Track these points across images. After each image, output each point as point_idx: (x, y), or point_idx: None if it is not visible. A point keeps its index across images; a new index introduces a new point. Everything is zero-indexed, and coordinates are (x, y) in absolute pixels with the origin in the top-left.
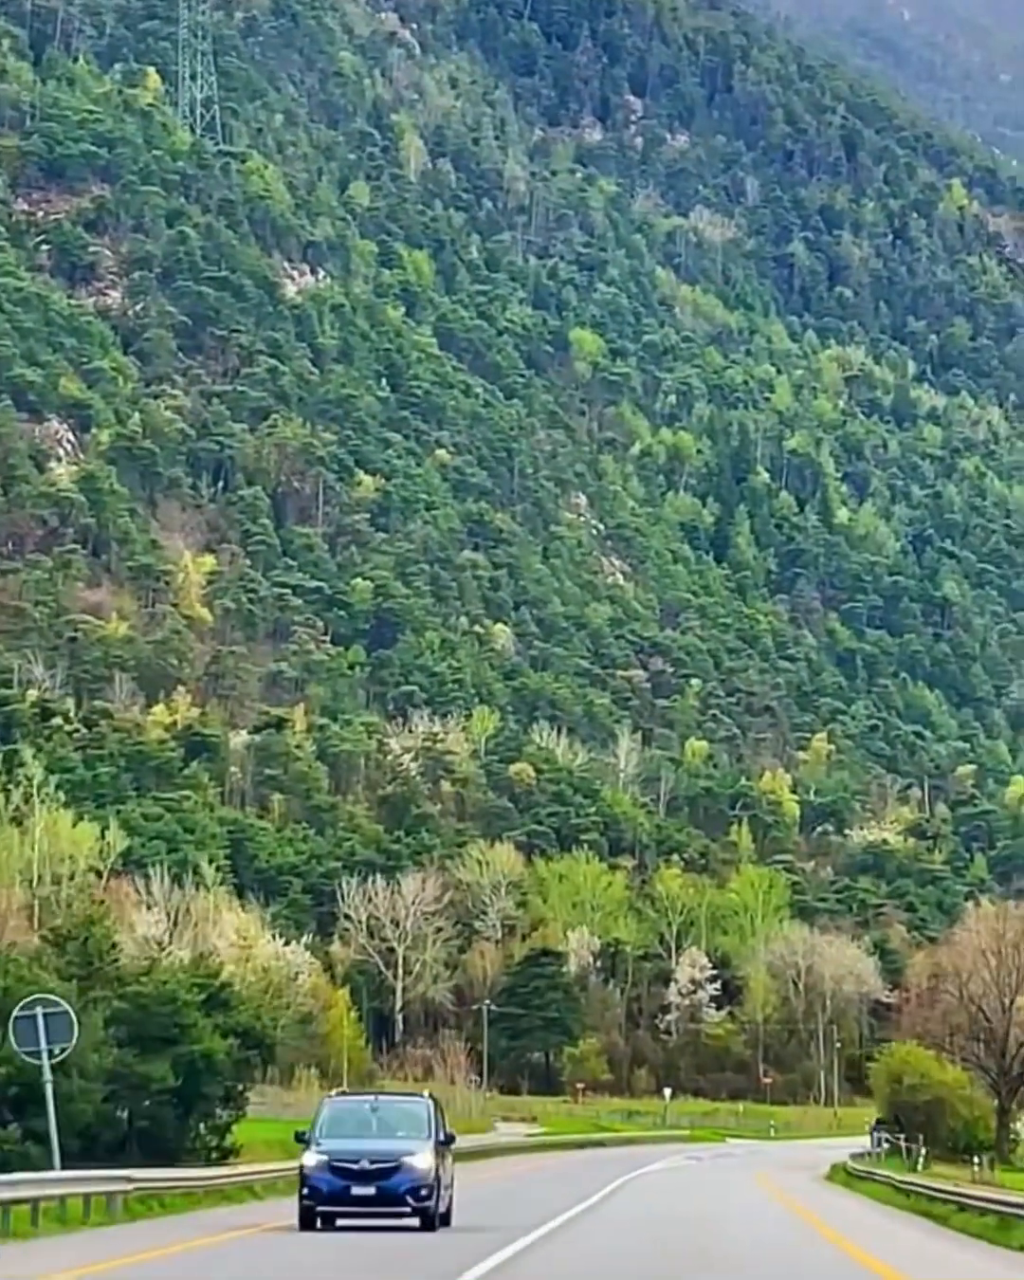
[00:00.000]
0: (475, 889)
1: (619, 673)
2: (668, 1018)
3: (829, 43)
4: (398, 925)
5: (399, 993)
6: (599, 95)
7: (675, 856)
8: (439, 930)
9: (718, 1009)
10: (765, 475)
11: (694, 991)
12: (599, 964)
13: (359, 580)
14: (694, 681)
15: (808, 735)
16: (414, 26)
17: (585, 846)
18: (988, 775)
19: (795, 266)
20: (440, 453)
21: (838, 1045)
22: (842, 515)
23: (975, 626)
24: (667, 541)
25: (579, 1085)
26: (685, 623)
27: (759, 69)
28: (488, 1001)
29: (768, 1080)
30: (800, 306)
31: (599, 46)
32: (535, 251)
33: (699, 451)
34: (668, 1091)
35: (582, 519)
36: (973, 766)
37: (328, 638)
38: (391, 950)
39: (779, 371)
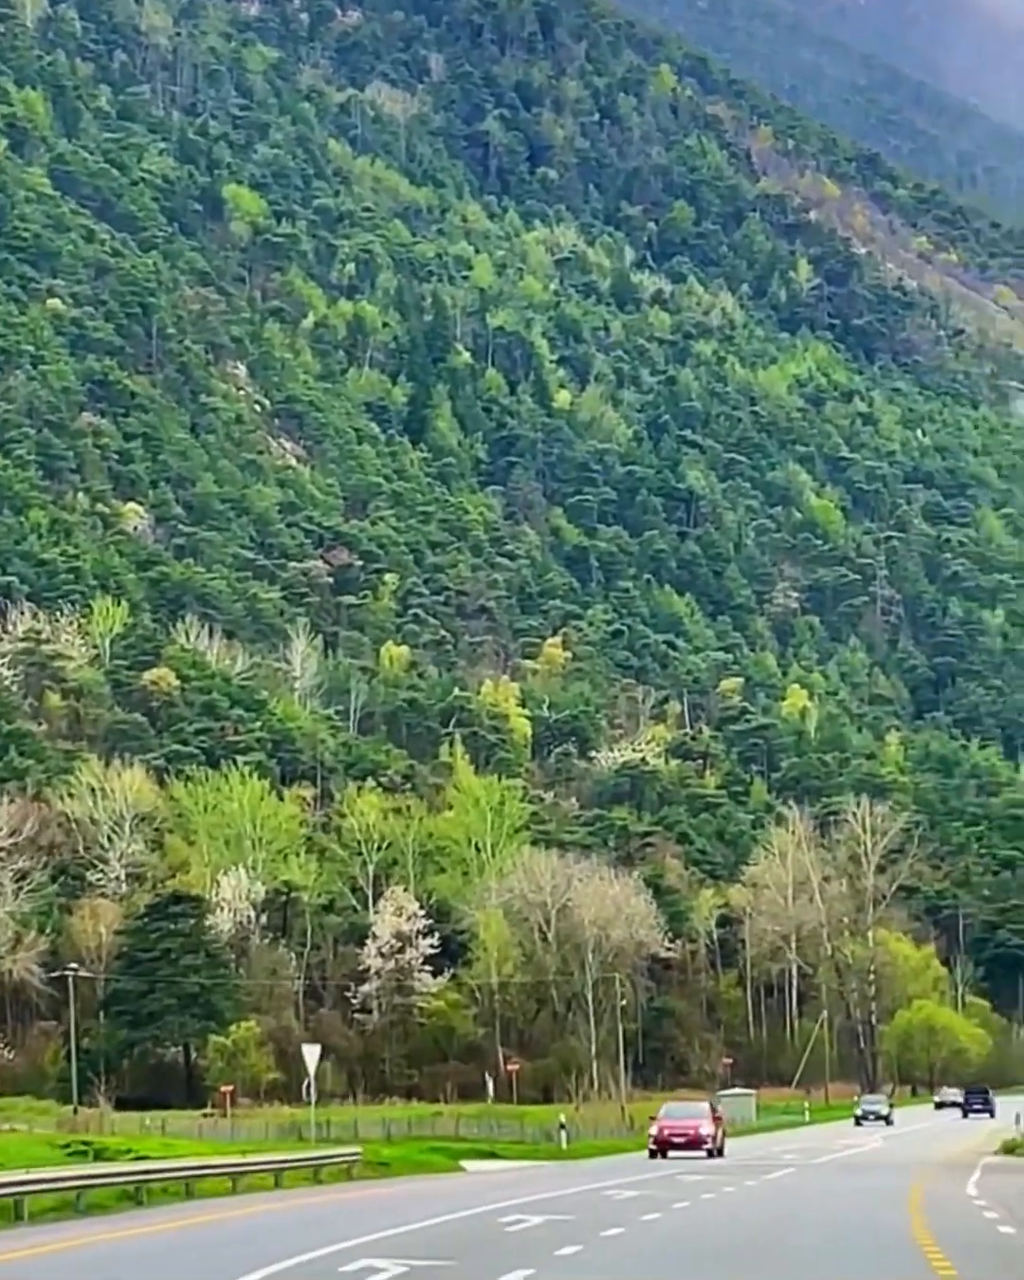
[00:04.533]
0: (88, 826)
1: (292, 564)
2: (364, 989)
3: None
4: None
5: None
6: None
7: (371, 781)
8: (23, 878)
9: (436, 974)
10: (467, 354)
11: (401, 950)
12: (265, 919)
13: None
14: (390, 578)
15: (536, 641)
16: None
17: (247, 769)
18: (757, 689)
19: (491, 145)
20: (53, 302)
21: (623, 1003)
22: (562, 399)
23: (727, 523)
24: (349, 420)
25: (227, 1089)
26: (376, 511)
27: None
28: (81, 971)
29: (512, 1068)
30: (499, 187)
31: None
32: (181, 108)
33: (386, 325)
34: (307, 1084)
35: (241, 391)
36: (739, 679)
37: None
38: None
39: (478, 251)
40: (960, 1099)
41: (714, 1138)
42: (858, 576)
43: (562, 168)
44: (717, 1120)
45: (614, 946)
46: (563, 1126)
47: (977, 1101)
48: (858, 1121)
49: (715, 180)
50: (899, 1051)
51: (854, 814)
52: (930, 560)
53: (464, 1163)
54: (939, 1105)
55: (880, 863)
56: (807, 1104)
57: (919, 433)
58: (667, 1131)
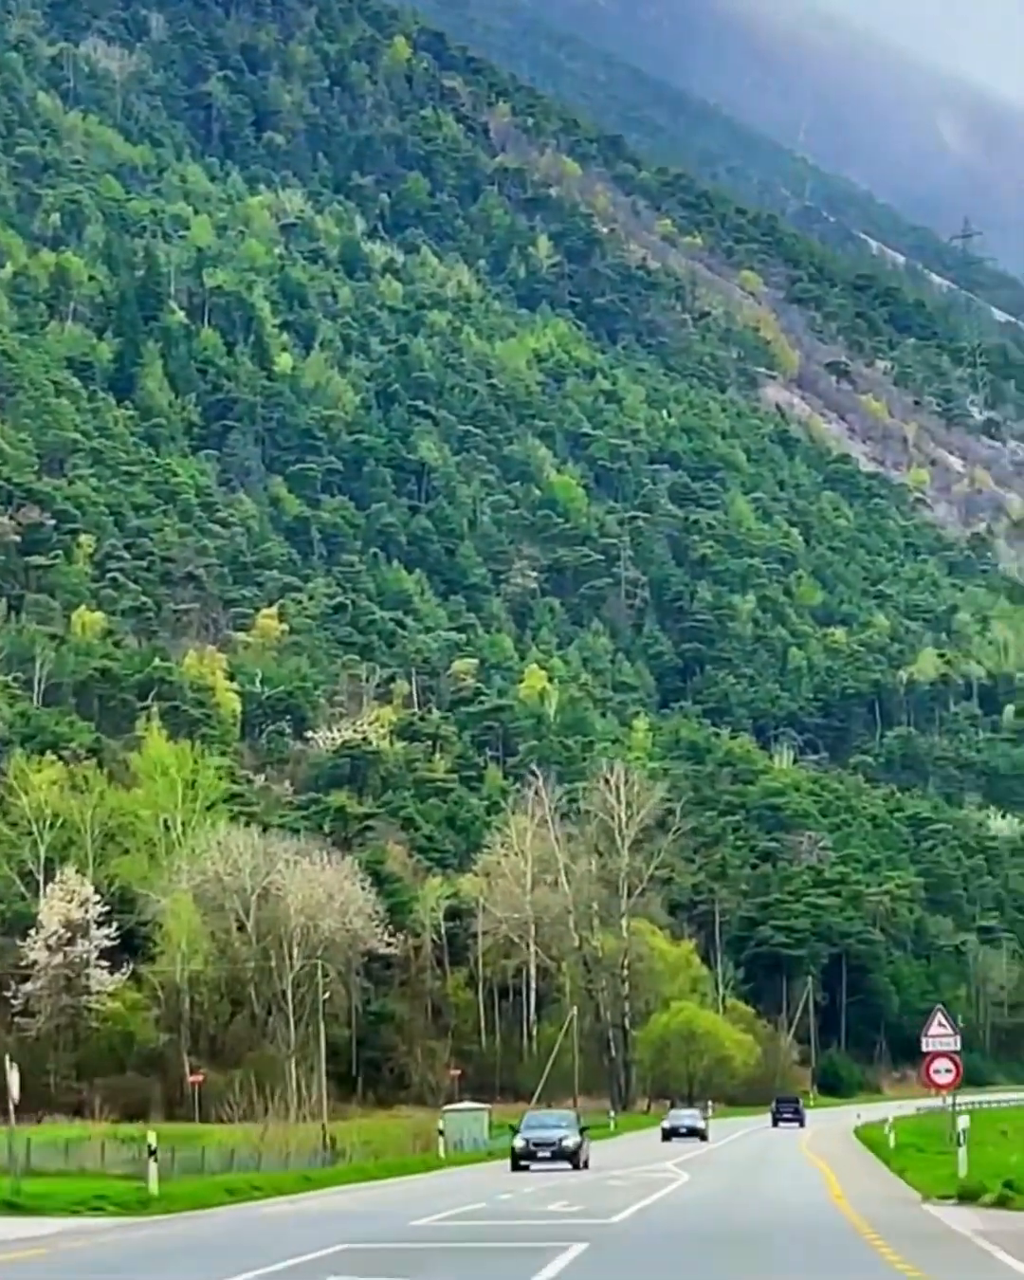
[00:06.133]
0: None
1: None
2: (27, 988)
3: None
4: None
5: None
6: None
7: (51, 755)
8: None
9: (114, 971)
10: (181, 313)
11: (71, 942)
12: None
13: None
14: (86, 540)
15: (249, 613)
16: None
17: None
18: (493, 671)
19: (213, 107)
20: None
21: (326, 996)
22: (284, 363)
23: (461, 497)
24: (47, 373)
25: None
26: (74, 469)
27: None
28: None
29: (196, 1079)
30: (222, 150)
31: None
32: None
33: (93, 279)
34: None
35: None
36: (473, 661)
37: None
38: None
39: (197, 212)
40: (699, 1123)
41: None
42: (601, 557)
43: (288, 133)
44: None
45: (324, 938)
46: (153, 1154)
47: (787, 1111)
48: (517, 1163)
49: (451, 152)
50: (655, 1060)
51: (607, 781)
52: (678, 543)
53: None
54: (668, 1134)
55: (637, 838)
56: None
57: (665, 413)
58: None
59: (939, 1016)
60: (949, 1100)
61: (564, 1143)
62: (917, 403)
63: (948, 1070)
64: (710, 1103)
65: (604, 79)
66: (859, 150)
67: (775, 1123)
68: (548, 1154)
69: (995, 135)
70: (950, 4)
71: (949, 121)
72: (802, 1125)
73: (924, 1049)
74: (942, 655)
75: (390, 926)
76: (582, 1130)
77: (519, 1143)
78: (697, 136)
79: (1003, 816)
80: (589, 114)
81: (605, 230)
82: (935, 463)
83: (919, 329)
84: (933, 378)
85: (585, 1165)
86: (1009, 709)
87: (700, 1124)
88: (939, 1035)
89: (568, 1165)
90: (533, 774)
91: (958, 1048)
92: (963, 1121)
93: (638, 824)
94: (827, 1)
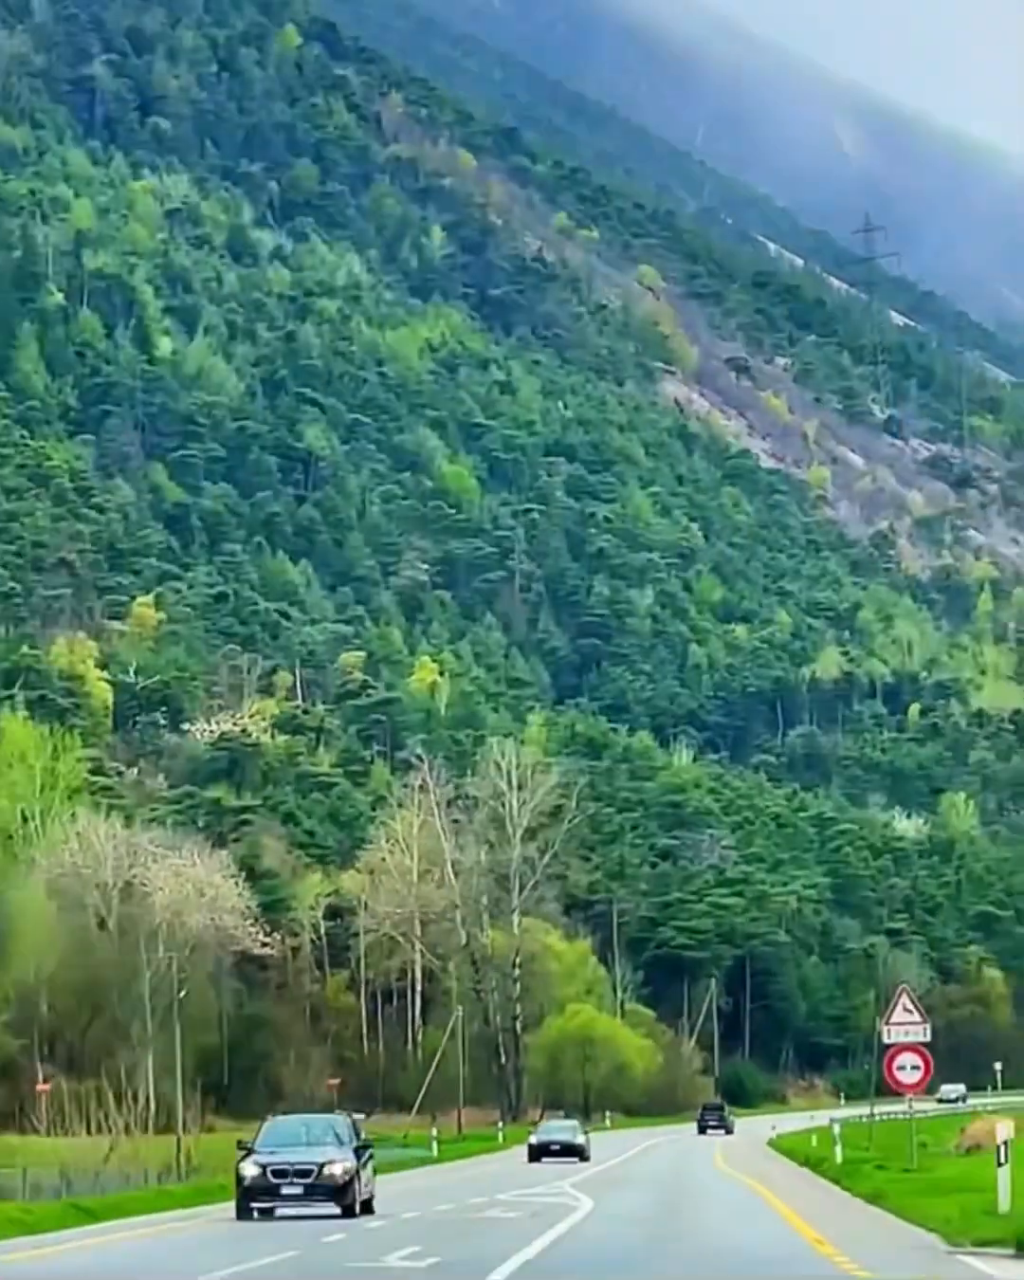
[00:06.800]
0: None
1: None
2: None
3: None
4: None
5: None
6: None
7: None
8: None
9: None
10: (59, 296)
11: None
12: None
13: None
14: None
15: (125, 600)
16: None
17: None
18: (380, 664)
19: (97, 91)
20: None
21: (182, 997)
22: (165, 347)
23: (350, 487)
24: None
25: None
26: None
27: None
28: None
29: (44, 1088)
30: (106, 134)
31: None
32: None
33: None
34: None
35: None
36: (361, 654)
37: None
38: None
39: (79, 195)
40: (575, 1138)
41: None
42: (494, 550)
43: (175, 119)
44: None
45: (192, 936)
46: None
47: (713, 1118)
48: (245, 1206)
49: (342, 140)
50: (548, 1068)
51: (498, 766)
52: (574, 536)
53: None
54: (537, 1152)
55: (530, 827)
56: (430, 1132)
57: (561, 405)
58: None
59: (904, 999)
60: (908, 1105)
61: (328, 1170)
62: (817, 400)
63: (915, 1068)
64: (608, 1113)
65: (500, 78)
66: (757, 154)
67: (702, 1130)
68: (298, 1189)
69: (894, 142)
70: (849, 10)
71: (847, 127)
72: (728, 1132)
73: (886, 1040)
74: (845, 653)
75: (266, 925)
76: (360, 1148)
77: (251, 1169)
78: (593, 138)
79: (908, 817)
80: (485, 112)
81: (500, 222)
82: (837, 460)
83: (819, 327)
84: (834, 375)
85: (366, 1209)
86: (913, 708)
87: (578, 1139)
88: (904, 1023)
89: (331, 1205)
90: (419, 759)
91: (928, 1038)
92: (1004, 1130)
93: (530, 812)
94: (724, 6)
